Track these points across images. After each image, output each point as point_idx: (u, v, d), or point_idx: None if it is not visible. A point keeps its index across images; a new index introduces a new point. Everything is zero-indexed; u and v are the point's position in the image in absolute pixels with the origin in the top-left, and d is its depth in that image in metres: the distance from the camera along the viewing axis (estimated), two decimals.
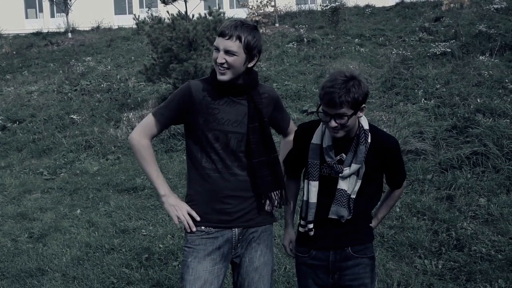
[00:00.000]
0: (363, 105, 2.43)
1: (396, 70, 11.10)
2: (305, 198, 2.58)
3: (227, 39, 2.48)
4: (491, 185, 5.70)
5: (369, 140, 2.48)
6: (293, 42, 15.89)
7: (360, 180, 2.49)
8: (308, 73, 12.59)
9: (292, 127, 2.88)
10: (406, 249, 4.60)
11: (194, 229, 2.56)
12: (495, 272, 4.08)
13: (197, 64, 9.91)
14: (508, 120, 7.16)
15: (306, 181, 2.57)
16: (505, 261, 4.22)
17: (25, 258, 5.15)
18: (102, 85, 13.80)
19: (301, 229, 2.63)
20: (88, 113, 11.55)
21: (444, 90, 9.32)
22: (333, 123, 2.39)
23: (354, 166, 2.47)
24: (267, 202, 2.64)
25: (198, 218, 2.56)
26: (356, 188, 2.49)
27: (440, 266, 4.28)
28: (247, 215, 2.61)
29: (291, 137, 2.84)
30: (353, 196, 2.50)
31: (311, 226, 2.57)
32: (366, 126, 2.50)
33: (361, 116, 2.48)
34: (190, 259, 2.55)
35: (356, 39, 15.56)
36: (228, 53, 2.48)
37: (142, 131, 2.62)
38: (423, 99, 9.10)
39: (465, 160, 6.25)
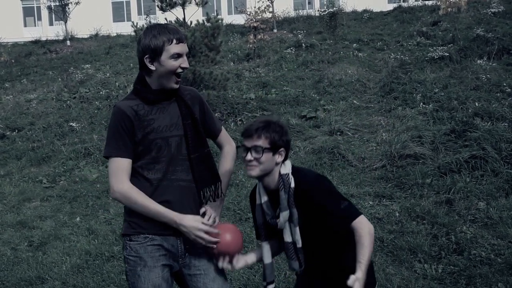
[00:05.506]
0: (282, 149, 2.40)
1: (394, 75, 11.13)
2: (263, 261, 2.57)
3: (185, 43, 2.50)
4: (490, 189, 5.70)
5: (292, 185, 2.41)
6: (291, 48, 15.94)
7: (297, 227, 2.41)
8: (306, 78, 12.62)
9: (225, 137, 2.80)
10: (405, 254, 4.60)
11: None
12: (494, 276, 4.08)
13: (196, 71, 9.92)
14: (506, 124, 7.17)
15: (261, 243, 2.55)
16: (504, 265, 4.22)
17: (25, 266, 5.15)
18: (101, 92, 13.82)
19: None
20: (87, 120, 11.56)
21: (443, 94, 9.35)
22: (249, 156, 2.38)
23: (282, 214, 2.41)
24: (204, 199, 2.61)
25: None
26: (297, 237, 2.42)
27: (440, 270, 4.27)
28: None
29: (227, 148, 2.78)
30: (299, 246, 2.44)
31: (271, 287, 2.54)
32: (284, 171, 2.43)
33: (279, 162, 2.43)
34: (140, 268, 2.50)
35: (354, 44, 15.61)
36: (187, 55, 2.52)
37: (116, 180, 2.48)
38: (421, 103, 9.12)
39: (464, 164, 6.25)
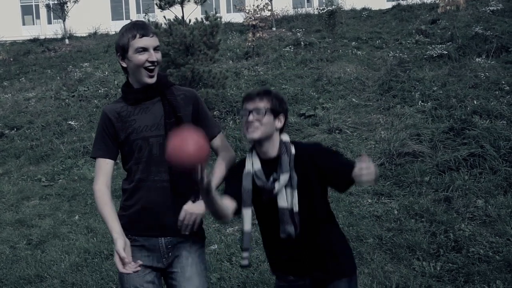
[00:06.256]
0: (282, 114, 2.48)
1: (393, 73, 11.13)
2: (242, 228, 2.54)
3: (151, 37, 2.52)
4: (489, 187, 5.71)
5: (292, 151, 2.47)
6: (290, 46, 15.93)
7: (295, 190, 2.43)
8: (305, 76, 12.61)
9: (223, 143, 2.73)
10: (404, 251, 4.61)
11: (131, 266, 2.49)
12: (493, 273, 4.09)
13: (194, 69, 9.92)
14: (505, 122, 7.19)
15: (242, 210, 2.51)
16: (503, 262, 4.23)
17: (24, 265, 5.15)
18: (99, 91, 13.82)
19: (242, 262, 2.57)
20: (86, 119, 11.56)
21: (441, 92, 9.35)
22: (250, 117, 2.42)
23: (283, 177, 2.43)
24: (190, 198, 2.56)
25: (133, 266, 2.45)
26: (295, 200, 2.43)
27: (438, 268, 4.28)
28: (174, 224, 2.53)
29: (224, 154, 2.69)
30: (296, 209, 2.43)
31: (245, 254, 2.53)
32: (286, 139, 2.52)
33: (278, 128, 2.49)
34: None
35: (353, 42, 15.60)
36: (156, 49, 2.53)
37: (96, 179, 2.62)
38: (420, 102, 9.12)
39: (463, 162, 6.26)
